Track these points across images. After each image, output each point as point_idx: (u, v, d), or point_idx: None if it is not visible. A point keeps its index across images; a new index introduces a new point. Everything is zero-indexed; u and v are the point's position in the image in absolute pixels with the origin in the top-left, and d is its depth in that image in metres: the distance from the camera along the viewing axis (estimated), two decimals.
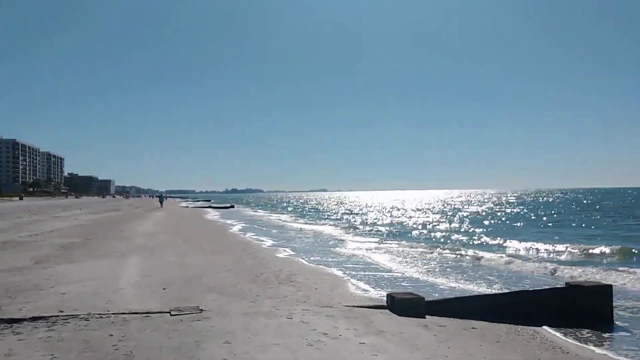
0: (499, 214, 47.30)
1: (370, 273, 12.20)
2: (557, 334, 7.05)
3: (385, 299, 8.48)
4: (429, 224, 34.08)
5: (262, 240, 20.54)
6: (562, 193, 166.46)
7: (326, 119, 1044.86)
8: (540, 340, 6.64)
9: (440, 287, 10.70)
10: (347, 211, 58.69)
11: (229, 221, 36.11)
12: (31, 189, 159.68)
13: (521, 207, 60.34)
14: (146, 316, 6.43)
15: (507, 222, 35.45)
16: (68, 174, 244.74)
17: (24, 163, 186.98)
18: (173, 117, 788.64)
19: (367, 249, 17.83)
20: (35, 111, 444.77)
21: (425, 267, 13.64)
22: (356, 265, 13.56)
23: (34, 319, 6.18)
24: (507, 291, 9.63)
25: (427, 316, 7.19)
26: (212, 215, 46.12)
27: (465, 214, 47.49)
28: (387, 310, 7.33)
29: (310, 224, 35.48)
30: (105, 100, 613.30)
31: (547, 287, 9.75)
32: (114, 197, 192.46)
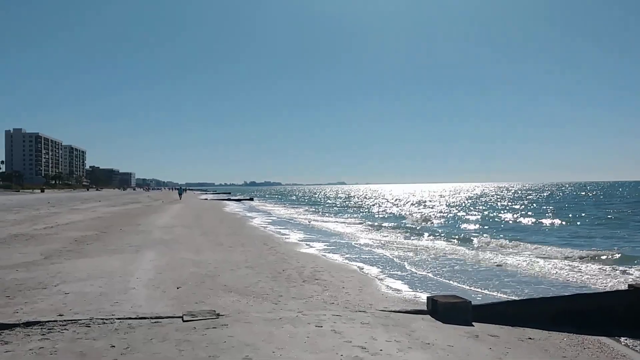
0: (522, 208, 45.81)
1: (397, 272, 11.18)
2: (628, 346, 6.08)
3: (420, 300, 7.68)
4: (452, 219, 32.93)
5: (282, 234, 19.74)
6: (584, 186, 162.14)
7: (345, 112, 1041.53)
8: (610, 354, 5.67)
9: (472, 290, 9.59)
10: (366, 205, 57.66)
11: (248, 214, 35.47)
12: (53, 182, 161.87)
13: (547, 202, 58.53)
14: (155, 322, 5.64)
15: (533, 218, 34.05)
16: (90, 167, 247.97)
17: (47, 156, 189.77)
18: (194, 111, 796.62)
19: (388, 245, 16.83)
20: (58, 105, 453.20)
21: (449, 267, 12.36)
22: (380, 262, 12.60)
23: (28, 324, 5.42)
24: (563, 294, 8.57)
25: (474, 323, 6.27)
26: (231, 207, 45.60)
27: (487, 209, 46.12)
28: (428, 316, 6.42)
29: (329, 218, 34.63)
30: (127, 94, 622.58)
31: (607, 289, 8.70)
32: (134, 189, 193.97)
